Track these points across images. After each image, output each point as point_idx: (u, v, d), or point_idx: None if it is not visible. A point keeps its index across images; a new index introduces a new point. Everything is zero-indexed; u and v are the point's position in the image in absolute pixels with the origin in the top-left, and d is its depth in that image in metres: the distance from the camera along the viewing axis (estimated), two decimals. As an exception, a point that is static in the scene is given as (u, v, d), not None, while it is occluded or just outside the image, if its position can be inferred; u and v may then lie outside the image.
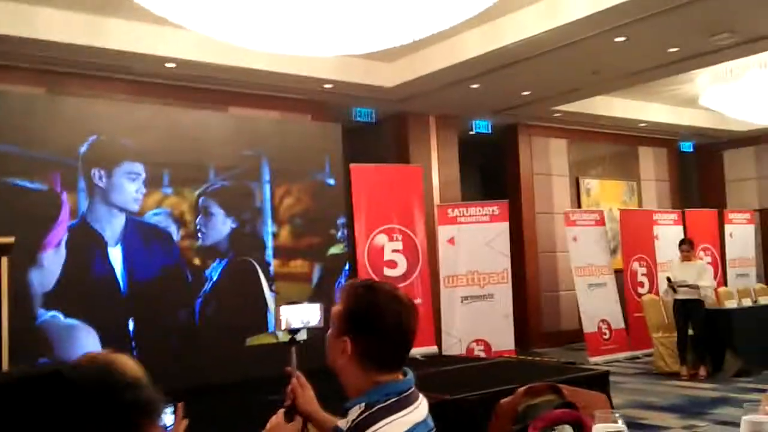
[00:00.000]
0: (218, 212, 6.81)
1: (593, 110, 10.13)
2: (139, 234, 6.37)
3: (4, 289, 3.62)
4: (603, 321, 9.14)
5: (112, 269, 6.20)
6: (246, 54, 6.62)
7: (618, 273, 9.57)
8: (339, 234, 7.46)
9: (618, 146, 11.79)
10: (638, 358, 9.07)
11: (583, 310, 9.08)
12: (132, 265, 6.28)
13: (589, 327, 9.01)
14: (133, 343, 6.20)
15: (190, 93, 7.40)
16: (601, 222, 9.66)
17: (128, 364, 1.01)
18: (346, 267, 7.48)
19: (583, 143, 11.33)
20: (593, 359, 8.64)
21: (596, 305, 9.15)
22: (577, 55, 7.17)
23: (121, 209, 6.30)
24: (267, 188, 7.10)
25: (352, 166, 7.93)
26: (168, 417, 1.82)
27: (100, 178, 6.20)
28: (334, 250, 7.39)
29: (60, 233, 6.00)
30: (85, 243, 6.09)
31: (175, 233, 6.58)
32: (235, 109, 7.73)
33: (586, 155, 11.41)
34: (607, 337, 9.13)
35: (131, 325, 6.24)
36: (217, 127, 6.95)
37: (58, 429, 0.71)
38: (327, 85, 7.85)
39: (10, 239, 3.69)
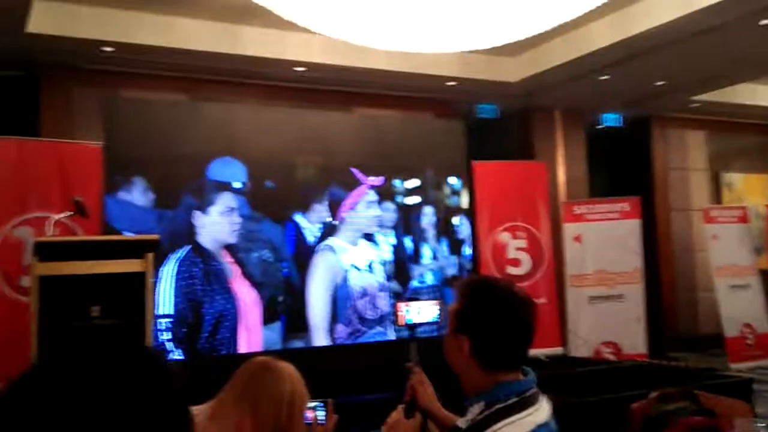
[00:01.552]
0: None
1: (735, 99, 9.44)
2: None
3: (150, 282, 3.90)
4: (746, 325, 8.52)
5: None
6: (369, 55, 6.75)
7: (764, 274, 8.89)
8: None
9: (764, 137, 10.92)
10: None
11: (724, 313, 8.49)
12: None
13: (730, 331, 8.42)
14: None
15: (317, 95, 7.65)
16: (744, 219, 9.00)
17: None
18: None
19: (723, 135, 10.59)
20: (735, 366, 8.08)
21: (739, 308, 8.54)
22: (715, 42, 6.71)
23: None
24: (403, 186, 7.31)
25: (475, 163, 7.88)
26: (320, 413, 1.91)
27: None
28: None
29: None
30: None
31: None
32: (359, 110, 7.90)
33: (728, 148, 10.66)
34: (750, 342, 8.50)
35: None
36: (343, 128, 7.18)
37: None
38: (450, 83, 7.84)
39: (155, 236, 3.98)
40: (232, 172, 6.53)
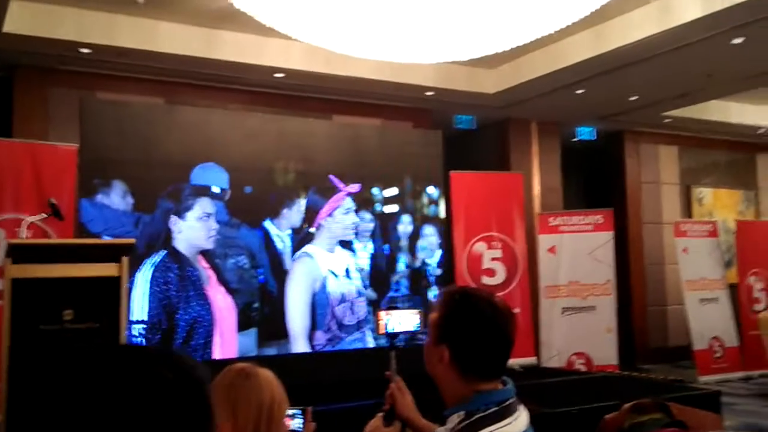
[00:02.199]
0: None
1: (707, 115, 9.63)
2: None
3: (125, 287, 3.86)
4: (715, 338, 8.66)
5: None
6: (349, 63, 6.77)
7: (732, 288, 9.05)
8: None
9: (734, 153, 11.15)
10: (753, 378, 8.53)
11: (693, 326, 8.62)
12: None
13: (699, 344, 8.55)
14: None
15: (296, 101, 7.64)
16: (714, 233, 9.16)
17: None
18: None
19: (695, 150, 10.79)
20: (703, 378, 8.20)
21: (708, 321, 8.68)
22: (689, 59, 6.85)
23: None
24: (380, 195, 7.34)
25: (452, 173, 7.92)
26: (298, 420, 1.90)
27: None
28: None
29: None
30: None
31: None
32: (339, 117, 7.91)
33: (699, 163, 10.86)
34: (719, 355, 8.63)
35: None
36: (322, 135, 7.19)
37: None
38: (428, 93, 7.89)
39: (131, 240, 3.94)
40: (210, 176, 6.49)
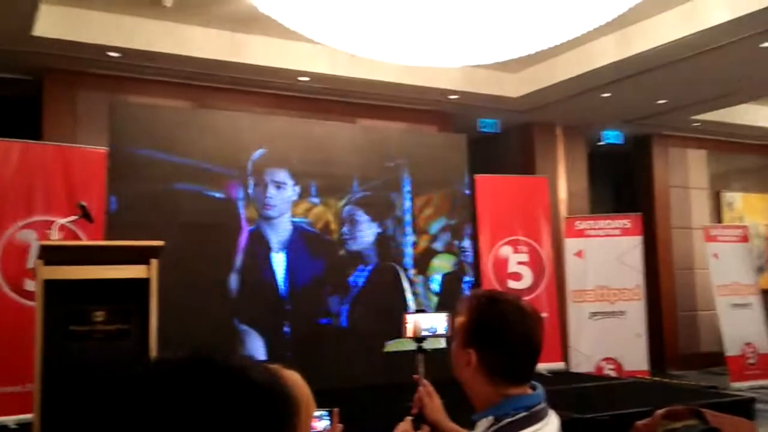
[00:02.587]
0: (363, 220, 7.07)
1: (737, 119, 9.49)
2: (303, 241, 6.72)
3: (154, 290, 3.90)
4: (748, 344, 8.51)
5: (275, 275, 6.57)
6: (373, 67, 6.78)
7: (765, 293, 8.89)
8: (462, 244, 7.53)
9: (764, 157, 10.96)
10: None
11: (725, 331, 8.49)
12: (292, 270, 6.66)
13: (731, 350, 8.41)
14: (289, 347, 6.56)
15: (321, 105, 7.68)
16: (745, 238, 9.02)
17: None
18: (465, 279, 7.52)
19: (725, 154, 10.63)
20: (736, 385, 8.06)
21: (740, 327, 8.53)
22: (718, 62, 6.75)
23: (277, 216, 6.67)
24: (407, 198, 7.32)
25: (477, 177, 7.90)
26: (323, 422, 1.89)
27: (257, 186, 6.61)
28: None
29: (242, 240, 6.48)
30: (255, 249, 6.52)
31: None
32: (362, 121, 7.93)
33: (729, 167, 10.69)
34: (752, 361, 8.48)
35: (287, 329, 6.59)
36: (346, 138, 7.21)
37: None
38: (452, 96, 7.87)
39: (159, 242, 3.98)
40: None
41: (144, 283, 3.88)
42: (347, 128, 7.49)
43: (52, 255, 3.74)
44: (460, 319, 1.68)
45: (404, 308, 6.93)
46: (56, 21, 5.90)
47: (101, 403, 0.73)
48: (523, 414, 1.57)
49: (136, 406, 0.72)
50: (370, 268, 7.04)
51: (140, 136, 6.21)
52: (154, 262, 3.91)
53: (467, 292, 7.10)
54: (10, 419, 5.24)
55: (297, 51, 6.78)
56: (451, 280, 7.39)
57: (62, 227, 4.60)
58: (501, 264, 7.84)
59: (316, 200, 6.90)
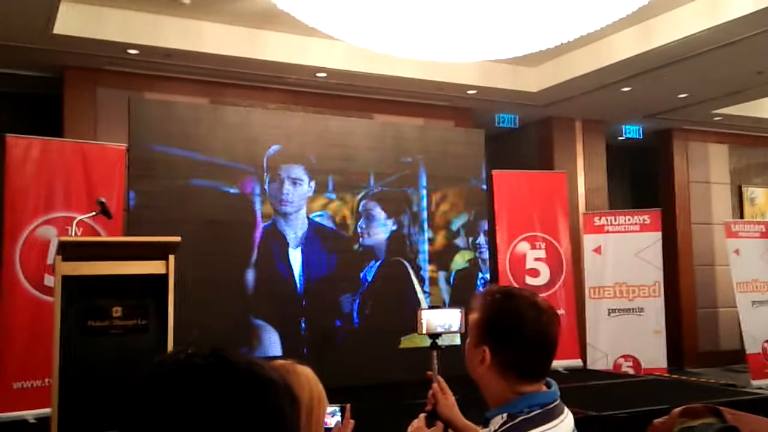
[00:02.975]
0: (380, 215, 7.08)
1: (760, 113, 9.34)
2: (318, 237, 6.74)
3: (171, 285, 3.92)
4: (768, 342, 8.40)
5: (292, 270, 6.60)
6: (391, 62, 6.76)
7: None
8: (477, 241, 7.49)
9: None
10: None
11: (745, 329, 8.38)
12: (308, 266, 6.68)
13: (752, 348, 8.30)
14: (305, 343, 6.58)
15: (338, 101, 7.68)
16: (767, 234, 8.89)
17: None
18: (480, 275, 7.49)
19: (747, 149, 10.48)
20: (757, 383, 7.96)
21: (761, 324, 8.41)
22: (740, 55, 6.65)
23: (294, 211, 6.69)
24: (423, 194, 7.32)
25: (494, 172, 7.86)
26: (335, 418, 1.90)
27: (272, 182, 6.64)
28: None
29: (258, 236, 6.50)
30: (271, 245, 6.56)
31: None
32: (380, 116, 7.92)
33: (751, 162, 10.54)
34: (773, 359, 8.37)
35: (303, 325, 6.61)
36: (363, 134, 7.22)
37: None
38: (470, 91, 7.83)
39: (177, 238, 4.00)
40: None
41: (162, 278, 3.90)
42: (364, 124, 7.49)
43: (71, 251, 3.78)
44: (473, 316, 1.67)
45: (416, 304, 6.92)
46: (76, 19, 5.95)
47: (118, 398, 0.75)
48: (538, 411, 1.56)
49: (146, 403, 0.74)
50: (379, 263, 7.03)
51: (158, 133, 6.26)
52: (171, 257, 3.93)
53: (481, 289, 7.08)
54: (29, 413, 5.32)
55: (314, 47, 6.77)
56: (464, 276, 7.37)
57: (81, 223, 4.64)
58: (518, 260, 7.80)
59: (332, 196, 6.91)
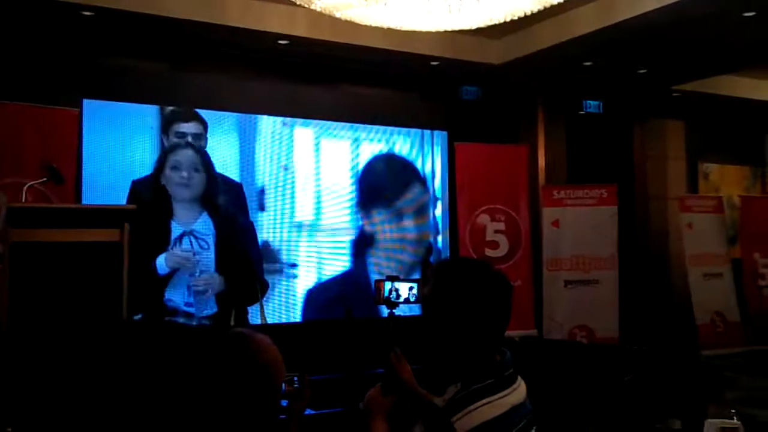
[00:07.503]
0: None
1: (716, 90, 9.51)
2: None
3: (126, 253, 3.85)
4: (717, 313, 8.67)
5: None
6: (355, 31, 6.66)
7: (736, 263, 9.03)
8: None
9: (741, 129, 11.03)
10: (756, 353, 8.54)
11: (696, 300, 8.64)
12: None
13: (701, 319, 8.57)
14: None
15: (302, 70, 7.56)
16: (719, 209, 9.13)
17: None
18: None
19: (703, 125, 10.68)
20: (705, 353, 8.23)
21: (711, 296, 8.69)
22: (699, 32, 6.74)
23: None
24: None
25: (456, 144, 7.87)
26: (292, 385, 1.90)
27: None
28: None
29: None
30: None
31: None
32: (345, 87, 7.84)
33: (706, 138, 10.75)
34: (721, 330, 8.65)
35: None
36: (327, 104, 7.16)
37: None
38: (434, 62, 7.79)
39: (133, 206, 3.92)
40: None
41: (117, 246, 3.82)
42: (329, 94, 7.43)
43: (20, 218, 3.67)
44: (428, 287, 1.68)
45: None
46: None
47: (66, 365, 0.74)
48: (491, 380, 1.58)
49: (101, 369, 0.73)
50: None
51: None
52: (126, 226, 3.85)
53: (435, 260, 7.16)
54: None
55: (276, 13, 6.65)
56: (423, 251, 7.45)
57: (31, 190, 4.51)
58: (479, 232, 7.86)
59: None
